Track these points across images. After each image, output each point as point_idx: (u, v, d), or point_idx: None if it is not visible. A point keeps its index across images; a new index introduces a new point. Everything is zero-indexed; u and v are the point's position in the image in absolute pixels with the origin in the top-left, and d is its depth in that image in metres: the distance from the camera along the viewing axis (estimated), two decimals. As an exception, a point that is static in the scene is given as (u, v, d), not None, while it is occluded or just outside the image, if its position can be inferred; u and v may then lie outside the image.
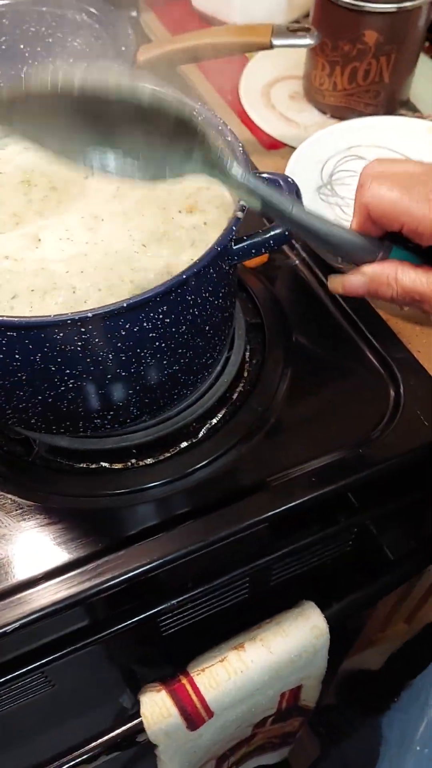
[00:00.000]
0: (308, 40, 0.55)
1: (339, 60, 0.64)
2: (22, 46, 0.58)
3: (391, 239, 0.34)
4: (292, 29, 0.55)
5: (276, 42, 0.55)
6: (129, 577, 0.41)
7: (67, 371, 0.39)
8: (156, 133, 0.32)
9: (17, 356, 0.37)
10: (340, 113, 0.68)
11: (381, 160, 0.34)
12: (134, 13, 0.69)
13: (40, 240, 0.43)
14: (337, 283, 0.36)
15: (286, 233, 0.41)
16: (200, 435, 0.48)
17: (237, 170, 0.34)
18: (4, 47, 0.58)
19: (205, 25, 0.78)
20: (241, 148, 0.42)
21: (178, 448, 0.48)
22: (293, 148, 0.66)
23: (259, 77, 0.73)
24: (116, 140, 0.32)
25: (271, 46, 0.55)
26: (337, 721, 0.84)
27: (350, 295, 0.36)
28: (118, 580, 0.41)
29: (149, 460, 0.47)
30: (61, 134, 0.32)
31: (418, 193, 0.31)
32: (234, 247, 0.41)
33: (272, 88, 0.72)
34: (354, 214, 0.35)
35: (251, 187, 0.34)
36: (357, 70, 0.64)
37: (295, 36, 0.55)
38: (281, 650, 0.45)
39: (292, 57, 0.73)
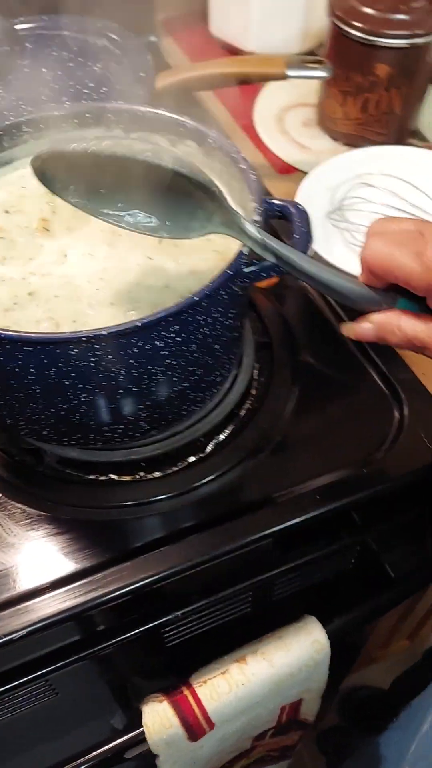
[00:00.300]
0: (321, 73, 0.57)
1: (351, 90, 0.66)
2: (44, 70, 0.60)
3: (397, 290, 0.36)
4: (306, 62, 0.57)
5: (290, 73, 0.57)
6: (135, 588, 0.42)
7: (80, 386, 0.40)
8: (181, 195, 0.36)
9: (32, 370, 0.39)
10: (352, 141, 0.70)
11: (384, 219, 0.37)
12: (153, 39, 0.71)
13: (66, 256, 0.44)
14: (349, 330, 0.39)
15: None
16: (207, 450, 0.49)
17: (252, 230, 0.37)
18: (26, 70, 0.60)
19: (223, 51, 0.81)
20: (253, 176, 0.44)
21: (185, 463, 0.49)
22: (305, 173, 0.68)
23: (273, 104, 0.75)
24: (144, 200, 0.36)
25: (285, 77, 0.57)
26: (345, 741, 0.84)
27: (361, 340, 0.39)
28: (123, 590, 0.42)
29: (157, 474, 0.48)
30: (89, 193, 0.36)
31: (407, 250, 0.34)
32: (245, 270, 0.43)
33: (286, 115, 0.74)
34: (361, 269, 0.37)
35: (266, 244, 0.37)
36: (369, 101, 0.66)
37: (309, 68, 0.57)
38: (282, 664, 0.46)
39: (305, 85, 0.75)
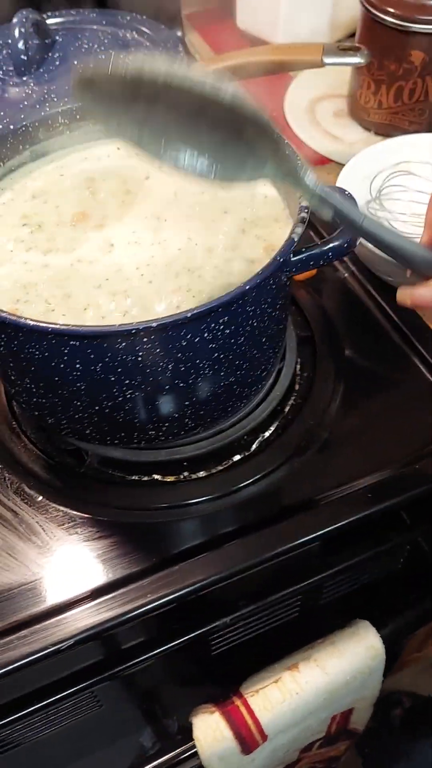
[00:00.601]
0: (358, 59, 0.55)
1: (385, 79, 0.64)
2: (75, 62, 0.59)
3: None
4: (343, 48, 0.55)
5: (327, 60, 0.55)
6: (183, 593, 0.41)
7: (126, 381, 0.38)
8: (233, 136, 0.32)
9: (78, 365, 0.38)
10: (384, 130, 0.68)
11: None
12: (179, 33, 0.70)
13: (112, 245, 0.43)
14: (405, 296, 0.36)
15: (345, 245, 0.41)
16: (253, 448, 0.48)
17: (311, 178, 0.34)
18: (58, 63, 0.59)
19: (249, 44, 0.80)
20: (299, 160, 0.42)
21: (230, 462, 0.47)
22: (338, 164, 0.67)
23: (303, 95, 0.74)
24: (193, 138, 0.32)
25: (322, 65, 0.55)
26: (386, 745, 0.81)
27: (418, 306, 0.36)
28: (171, 597, 0.40)
29: (202, 473, 0.46)
30: (136, 123, 0.33)
31: None
32: (293, 259, 0.41)
33: (317, 106, 0.73)
34: (424, 230, 0.35)
35: (324, 195, 0.34)
36: (403, 89, 0.64)
37: (346, 55, 0.55)
38: (336, 671, 0.44)
39: (336, 76, 0.74)
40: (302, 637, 0.49)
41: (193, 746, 0.43)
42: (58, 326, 0.35)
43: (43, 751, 0.49)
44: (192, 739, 0.42)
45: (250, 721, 0.42)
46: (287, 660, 0.45)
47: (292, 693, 0.43)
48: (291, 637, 0.49)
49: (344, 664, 0.44)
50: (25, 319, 0.35)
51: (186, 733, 0.44)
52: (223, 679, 0.48)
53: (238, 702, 0.43)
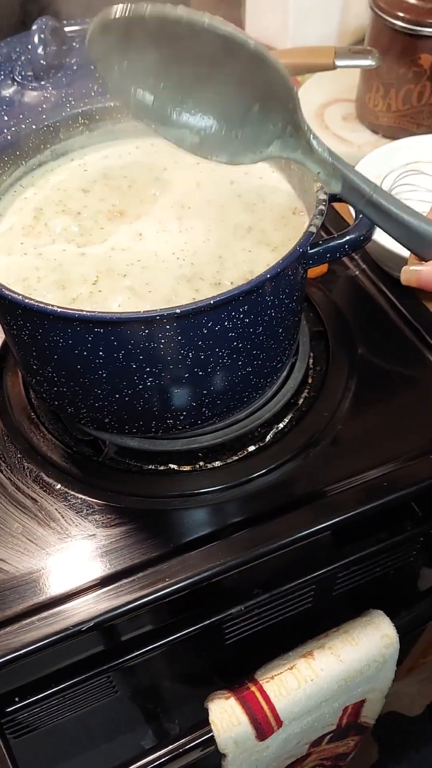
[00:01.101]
0: (370, 61, 0.57)
1: (394, 82, 0.66)
2: (92, 67, 0.61)
3: None
4: (354, 51, 0.57)
5: (339, 63, 0.57)
6: (199, 579, 0.41)
7: (147, 369, 0.39)
8: (249, 96, 0.32)
9: (101, 353, 0.38)
10: (393, 133, 0.70)
11: None
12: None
13: (141, 234, 0.44)
14: (411, 275, 0.36)
15: (362, 237, 0.42)
16: (267, 439, 0.48)
17: (322, 146, 0.34)
18: (75, 68, 0.61)
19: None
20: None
21: (245, 452, 0.48)
22: (348, 166, 0.68)
23: (312, 100, 0.76)
24: (208, 94, 0.32)
25: (333, 67, 0.57)
26: (403, 728, 0.80)
27: (425, 287, 0.36)
28: (187, 582, 0.41)
29: (217, 463, 0.47)
30: (153, 74, 0.32)
31: None
32: (310, 251, 0.42)
33: (325, 110, 0.74)
34: None
35: (334, 162, 0.34)
36: (412, 92, 0.66)
37: (357, 57, 0.57)
38: (351, 659, 0.44)
39: (344, 81, 0.75)
40: (315, 629, 0.50)
41: (208, 732, 0.43)
42: (84, 313, 0.36)
43: (58, 736, 0.49)
44: (208, 724, 0.43)
45: (265, 707, 0.42)
46: (302, 648, 0.46)
47: (307, 679, 0.43)
48: (304, 630, 0.50)
49: (359, 652, 0.45)
50: (52, 306, 0.36)
51: (201, 719, 0.44)
52: (237, 668, 0.48)
53: (253, 688, 0.43)
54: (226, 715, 0.42)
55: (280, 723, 0.43)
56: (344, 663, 0.44)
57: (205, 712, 0.44)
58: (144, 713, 0.55)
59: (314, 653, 0.44)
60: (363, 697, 0.50)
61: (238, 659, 0.51)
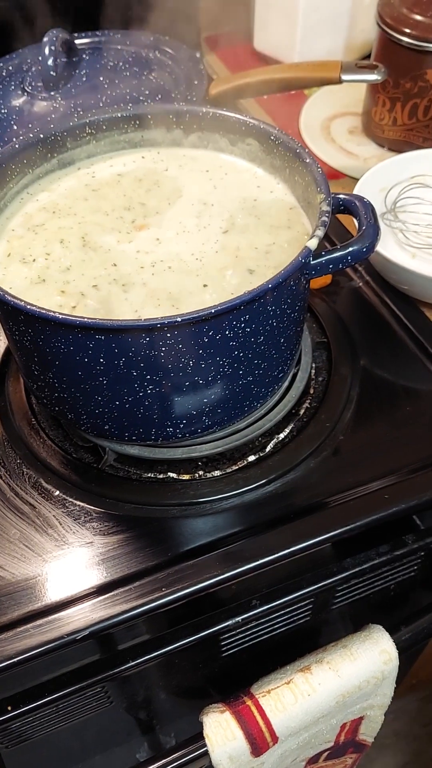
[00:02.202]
0: (376, 76, 0.57)
1: (400, 97, 0.66)
2: (101, 78, 0.62)
3: None
4: (360, 65, 0.57)
5: (345, 77, 0.57)
6: (196, 589, 0.41)
7: (148, 376, 0.39)
8: None
9: (102, 360, 0.39)
10: (399, 147, 0.70)
11: None
12: (197, 55, 0.73)
13: (158, 239, 0.45)
14: None
15: (364, 249, 0.42)
16: (267, 449, 0.48)
17: None
18: (84, 79, 0.62)
19: (266, 65, 0.82)
20: (320, 170, 0.44)
21: (245, 462, 0.48)
22: (353, 178, 0.69)
23: (318, 113, 0.76)
24: None
25: (340, 81, 0.57)
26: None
27: None
28: (185, 592, 0.41)
29: (217, 473, 0.47)
30: None
31: None
32: (312, 262, 0.42)
33: (332, 124, 0.75)
34: None
35: None
36: (417, 106, 0.66)
37: (363, 72, 0.57)
38: (349, 674, 0.44)
39: (350, 95, 0.76)
40: (313, 643, 0.49)
41: (203, 746, 0.42)
42: (85, 319, 0.36)
43: (51, 747, 0.49)
44: (202, 739, 0.42)
45: (261, 722, 0.42)
46: (299, 662, 0.45)
47: (304, 694, 0.42)
48: (301, 643, 0.49)
49: (357, 667, 0.44)
50: (54, 312, 0.36)
51: (196, 733, 0.44)
52: (233, 681, 0.48)
53: (249, 702, 0.43)
54: (220, 730, 0.41)
55: (275, 738, 0.43)
56: (342, 678, 0.43)
57: (201, 725, 0.43)
58: (139, 725, 0.54)
59: (312, 668, 0.44)
60: (361, 714, 0.49)
61: (235, 672, 0.51)
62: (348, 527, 0.44)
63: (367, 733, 0.54)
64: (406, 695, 1.00)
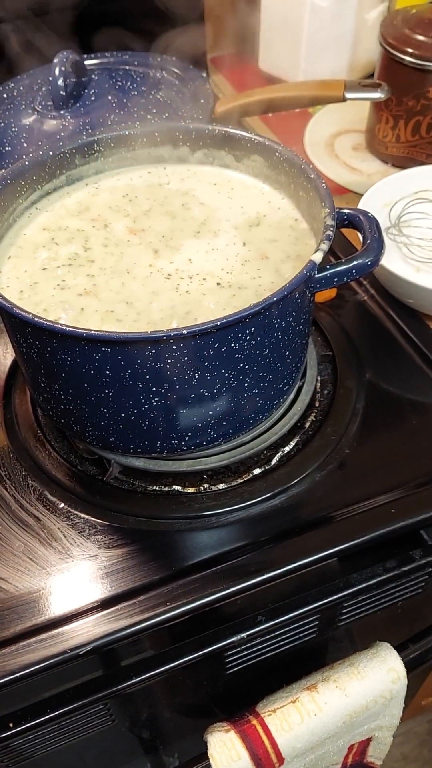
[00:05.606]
0: (379, 94, 0.58)
1: (403, 114, 0.67)
2: (109, 97, 0.63)
3: None
4: (364, 84, 0.58)
5: (349, 96, 0.58)
6: (201, 604, 0.40)
7: (154, 389, 0.40)
8: None
9: (108, 372, 0.39)
10: (402, 163, 0.71)
11: None
12: (204, 74, 0.74)
13: (190, 260, 0.46)
14: None
15: (369, 263, 0.42)
16: (273, 463, 0.48)
17: None
18: (93, 98, 0.63)
19: (271, 84, 0.84)
20: (324, 185, 0.44)
21: (251, 475, 0.47)
22: (357, 194, 0.69)
23: (323, 130, 0.77)
24: None
25: (343, 100, 0.58)
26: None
27: None
28: (189, 606, 0.40)
29: (222, 486, 0.47)
30: None
31: None
32: (317, 275, 0.42)
33: (336, 140, 0.76)
34: None
35: None
36: (420, 124, 0.67)
37: (367, 90, 0.58)
38: (356, 693, 0.43)
39: (354, 113, 0.77)
40: (319, 660, 0.48)
41: (207, 767, 0.42)
42: (91, 331, 0.36)
43: (53, 767, 0.48)
44: (206, 759, 0.41)
45: (266, 742, 0.41)
46: (305, 680, 0.44)
47: (311, 714, 0.42)
48: (307, 661, 0.48)
49: (365, 686, 0.43)
50: (60, 324, 0.37)
51: (200, 753, 0.43)
52: (238, 699, 0.47)
53: (254, 721, 0.42)
54: (225, 749, 0.41)
55: (281, 760, 0.42)
56: (349, 697, 0.43)
57: (205, 745, 0.42)
58: (141, 744, 0.53)
59: (318, 686, 0.43)
60: (369, 735, 0.48)
61: (239, 690, 0.50)
62: (354, 542, 0.44)
63: (376, 756, 0.52)
64: (414, 716, 0.98)
